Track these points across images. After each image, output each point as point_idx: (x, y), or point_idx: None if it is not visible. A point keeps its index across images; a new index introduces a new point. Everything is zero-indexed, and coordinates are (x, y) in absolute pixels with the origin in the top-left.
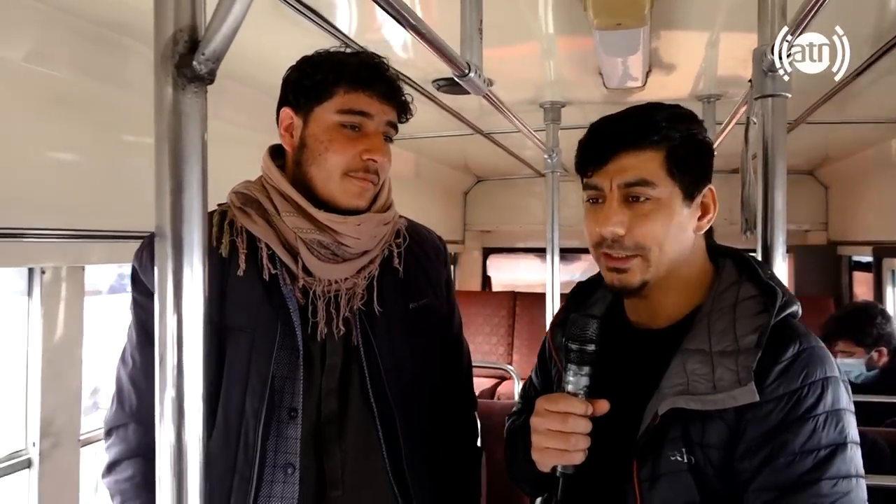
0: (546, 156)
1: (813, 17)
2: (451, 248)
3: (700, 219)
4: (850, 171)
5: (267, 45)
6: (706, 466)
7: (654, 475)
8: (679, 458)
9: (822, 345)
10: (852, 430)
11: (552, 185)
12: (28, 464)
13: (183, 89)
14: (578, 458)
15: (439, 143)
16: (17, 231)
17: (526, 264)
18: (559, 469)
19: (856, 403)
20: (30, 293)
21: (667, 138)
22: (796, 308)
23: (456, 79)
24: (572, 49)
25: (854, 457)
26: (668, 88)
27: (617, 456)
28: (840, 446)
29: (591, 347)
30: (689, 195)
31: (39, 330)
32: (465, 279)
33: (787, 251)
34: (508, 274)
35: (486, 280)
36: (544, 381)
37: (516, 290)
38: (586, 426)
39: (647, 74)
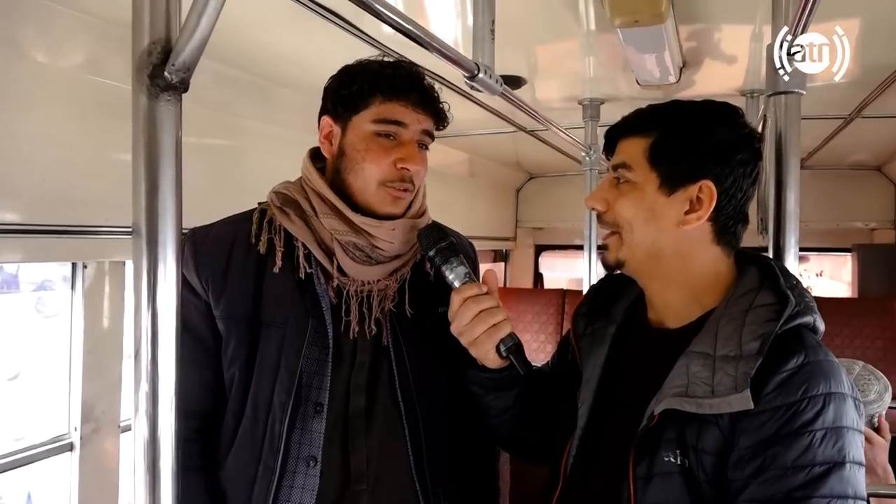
0: (584, 153)
1: (812, 12)
2: (502, 246)
3: (687, 213)
4: None
5: (311, 52)
6: (699, 471)
7: (648, 474)
8: (672, 460)
9: (832, 359)
10: (854, 449)
11: (590, 182)
12: (70, 447)
13: (156, 97)
14: (507, 328)
15: (489, 141)
16: (62, 228)
17: (583, 262)
18: (502, 350)
19: None
20: (73, 286)
21: (653, 129)
22: (810, 319)
23: (466, 80)
24: (605, 46)
25: (853, 478)
26: (706, 83)
27: (619, 451)
28: (837, 465)
29: (444, 243)
30: (669, 185)
31: (81, 321)
32: (516, 276)
33: (850, 250)
34: (565, 273)
35: (539, 277)
36: (559, 364)
37: (575, 288)
38: (490, 301)
39: (682, 70)
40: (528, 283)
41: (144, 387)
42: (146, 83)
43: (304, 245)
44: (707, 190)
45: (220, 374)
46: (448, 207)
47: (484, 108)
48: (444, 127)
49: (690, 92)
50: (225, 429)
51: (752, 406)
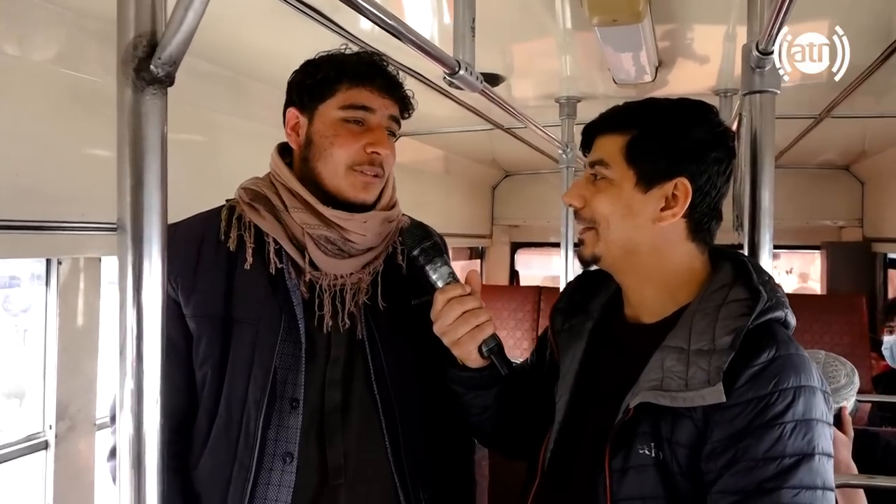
0: (560, 150)
1: (787, 12)
2: (478, 243)
3: (663, 210)
4: (889, 166)
5: (286, 48)
6: (672, 463)
7: (624, 467)
8: (647, 452)
9: (803, 353)
10: (823, 441)
11: (567, 180)
12: (45, 445)
13: (142, 91)
14: (489, 329)
15: (465, 138)
16: (36, 223)
17: (559, 260)
18: (484, 350)
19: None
20: (47, 282)
21: (630, 126)
22: (781, 313)
23: (447, 77)
24: (582, 45)
25: (822, 469)
26: (681, 83)
27: (595, 445)
28: (807, 456)
29: (428, 243)
30: (646, 182)
31: (56, 318)
32: (492, 273)
33: (819, 248)
34: (541, 270)
35: (514, 274)
36: (538, 361)
37: (550, 285)
38: (474, 301)
39: (657, 69)
40: (503, 280)
41: (129, 384)
42: (132, 77)
43: (274, 240)
44: (682, 187)
45: (190, 374)
46: (424, 204)
47: (461, 105)
48: (409, 115)
49: (665, 91)
50: (198, 429)
51: (724, 399)
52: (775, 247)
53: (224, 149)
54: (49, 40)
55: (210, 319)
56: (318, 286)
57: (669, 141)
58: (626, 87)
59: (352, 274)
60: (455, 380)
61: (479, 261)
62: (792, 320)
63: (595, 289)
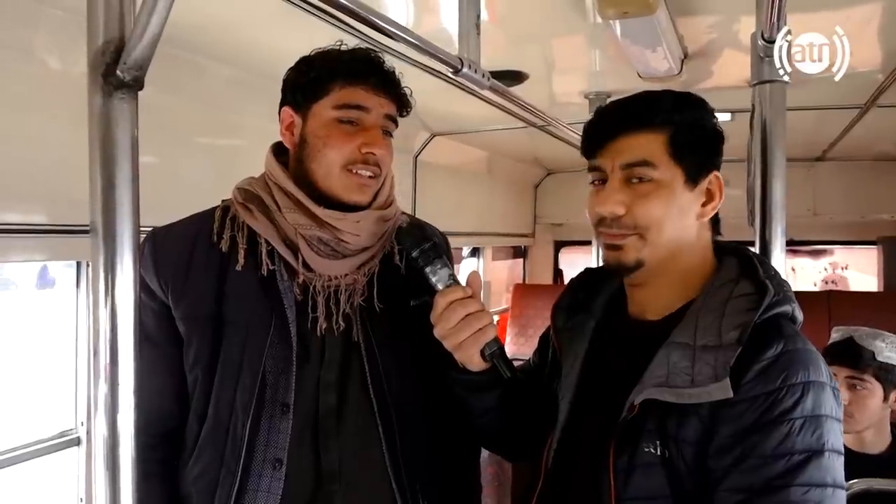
0: None
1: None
2: (521, 242)
3: (704, 205)
4: None
5: (309, 49)
6: (679, 462)
7: (629, 466)
8: (653, 451)
9: (811, 347)
10: (833, 437)
11: None
12: (77, 442)
13: (110, 96)
14: (492, 332)
15: (505, 137)
16: (65, 227)
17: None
18: (486, 353)
19: None
20: (77, 284)
21: (670, 121)
22: (788, 308)
23: (450, 75)
24: (609, 40)
25: (831, 466)
26: (712, 75)
27: (599, 444)
28: (816, 453)
29: (427, 245)
30: (692, 180)
31: (86, 319)
32: (535, 272)
33: (876, 242)
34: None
35: (558, 273)
36: (540, 362)
37: None
38: (476, 304)
39: (683, 62)
40: (547, 279)
41: (103, 387)
42: (100, 82)
43: (266, 242)
44: (716, 180)
45: (180, 378)
46: (466, 204)
47: (488, 103)
48: (408, 113)
49: (697, 84)
50: (189, 431)
51: (731, 395)
52: (827, 242)
53: (250, 150)
54: (83, 52)
55: (200, 321)
56: (311, 288)
57: (702, 134)
58: (654, 82)
59: (346, 275)
60: (456, 383)
61: (522, 260)
62: (799, 315)
63: (597, 287)
